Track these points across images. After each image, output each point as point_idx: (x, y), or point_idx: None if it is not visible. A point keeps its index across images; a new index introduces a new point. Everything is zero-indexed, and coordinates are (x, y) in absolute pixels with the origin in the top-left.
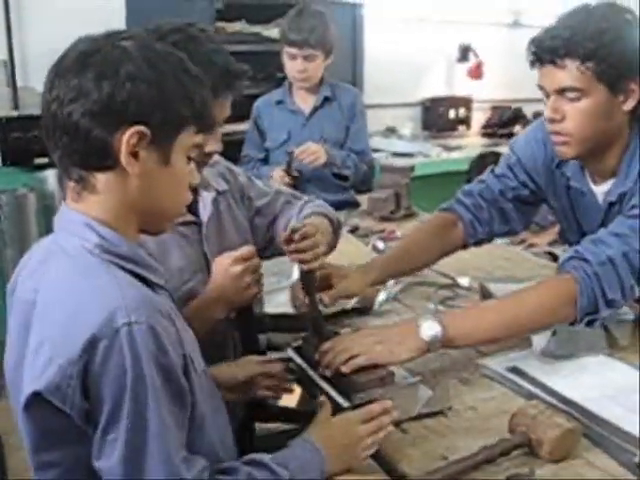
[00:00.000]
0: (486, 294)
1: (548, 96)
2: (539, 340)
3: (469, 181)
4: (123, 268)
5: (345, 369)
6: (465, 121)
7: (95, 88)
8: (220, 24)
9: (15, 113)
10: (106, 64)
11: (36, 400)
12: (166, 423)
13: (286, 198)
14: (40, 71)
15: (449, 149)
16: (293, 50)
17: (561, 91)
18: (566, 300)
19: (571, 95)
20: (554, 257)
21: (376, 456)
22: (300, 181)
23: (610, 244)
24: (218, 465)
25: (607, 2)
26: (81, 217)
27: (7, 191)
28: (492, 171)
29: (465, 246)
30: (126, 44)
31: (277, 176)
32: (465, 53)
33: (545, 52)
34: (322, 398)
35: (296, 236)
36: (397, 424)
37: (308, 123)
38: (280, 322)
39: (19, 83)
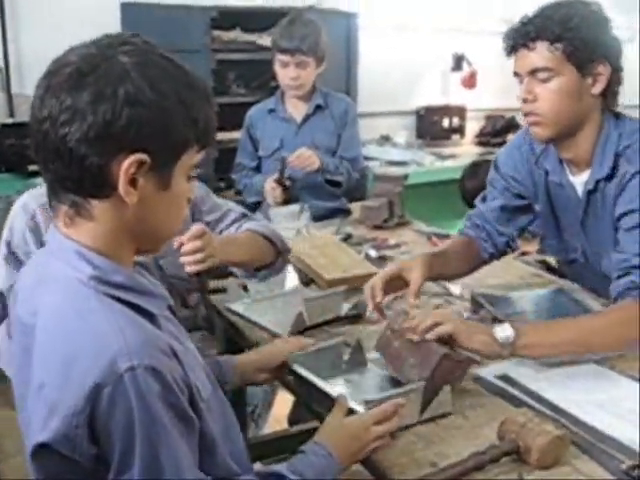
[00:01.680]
0: (478, 303)
1: (521, 79)
2: None
3: (462, 189)
4: (119, 299)
5: (430, 336)
6: (459, 130)
7: (91, 111)
8: (215, 32)
9: (10, 120)
10: (103, 84)
11: (43, 450)
12: (179, 460)
13: (235, 216)
14: (35, 78)
15: (443, 158)
16: (285, 57)
17: (533, 72)
18: (634, 328)
19: (542, 76)
20: (547, 266)
21: (366, 463)
22: (293, 189)
23: None
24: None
25: None
26: (73, 245)
27: (1, 198)
28: (483, 198)
29: (485, 262)
30: (124, 60)
31: (269, 188)
32: (459, 62)
33: (518, 37)
34: (340, 394)
35: (184, 239)
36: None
37: (300, 131)
38: None
39: (14, 89)
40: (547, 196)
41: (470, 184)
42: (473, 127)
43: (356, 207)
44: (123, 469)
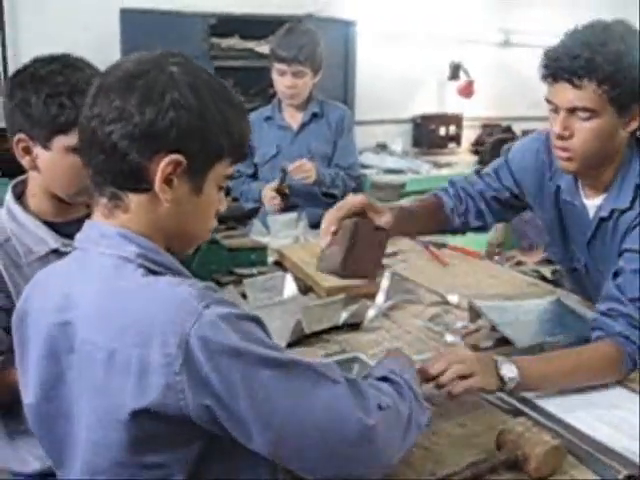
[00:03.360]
0: (475, 312)
1: (556, 110)
2: None
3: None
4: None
5: (456, 391)
6: (455, 138)
7: (138, 112)
8: (214, 39)
9: None
10: (152, 89)
11: (140, 417)
12: (281, 349)
13: None
14: None
15: (439, 166)
16: (282, 66)
17: (573, 110)
18: (613, 366)
19: (582, 115)
20: (542, 276)
21: None
22: (291, 196)
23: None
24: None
25: (622, 21)
26: (117, 229)
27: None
28: (477, 172)
29: (445, 231)
30: (173, 69)
31: (268, 196)
32: (456, 71)
33: (563, 71)
34: None
35: None
36: None
37: (296, 139)
38: None
39: None
40: (557, 209)
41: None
42: (469, 136)
43: None
44: (251, 386)
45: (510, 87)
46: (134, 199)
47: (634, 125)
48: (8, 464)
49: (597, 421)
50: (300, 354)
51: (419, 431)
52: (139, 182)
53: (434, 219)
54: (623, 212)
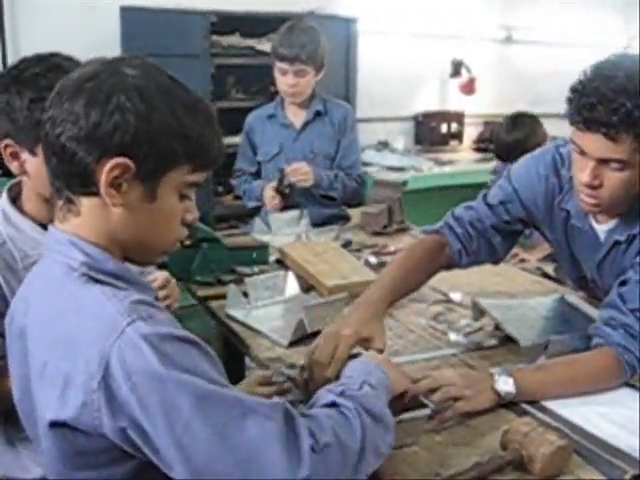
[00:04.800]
0: (478, 310)
1: (582, 153)
2: (531, 357)
3: (498, 144)
4: (112, 285)
5: (444, 418)
6: (457, 136)
7: (84, 115)
8: (214, 37)
9: None
10: (99, 92)
11: (59, 428)
12: (217, 381)
13: None
14: None
15: (441, 163)
16: (284, 65)
17: (604, 160)
18: (612, 375)
19: (614, 165)
20: (544, 273)
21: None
22: (292, 195)
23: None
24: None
25: None
26: (67, 236)
27: None
28: (485, 198)
29: (449, 268)
30: (127, 71)
31: (268, 195)
32: (457, 68)
33: (599, 124)
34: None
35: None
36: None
37: (299, 137)
38: None
39: None
40: (564, 234)
41: (510, 137)
42: (471, 133)
43: (355, 213)
44: (169, 414)
45: (512, 84)
46: (85, 203)
47: None
48: (9, 471)
49: (603, 420)
50: None
51: (378, 457)
52: (88, 185)
53: (434, 267)
54: (634, 237)
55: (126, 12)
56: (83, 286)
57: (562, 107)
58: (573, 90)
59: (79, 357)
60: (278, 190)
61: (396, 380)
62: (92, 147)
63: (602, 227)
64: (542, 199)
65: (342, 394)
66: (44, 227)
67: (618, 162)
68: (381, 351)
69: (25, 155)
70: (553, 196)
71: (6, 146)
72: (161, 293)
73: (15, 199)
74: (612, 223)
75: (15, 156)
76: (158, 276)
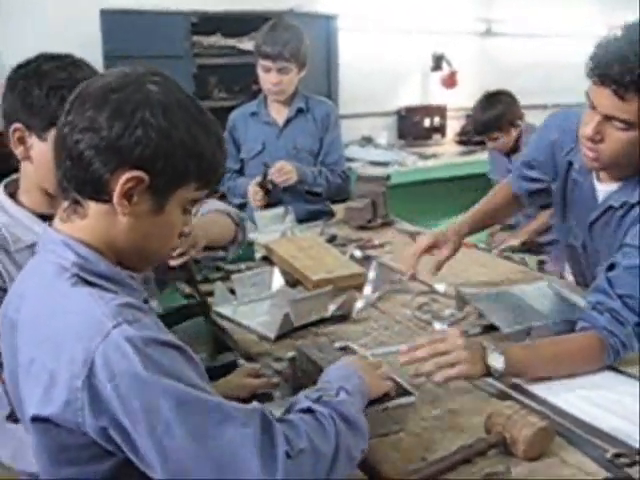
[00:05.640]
0: (462, 299)
1: (592, 107)
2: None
3: (474, 122)
4: (100, 287)
5: (439, 378)
6: (440, 129)
7: (107, 126)
8: (195, 38)
9: None
10: (124, 105)
11: (42, 423)
12: (199, 385)
13: None
14: None
15: (425, 157)
16: (267, 63)
17: (610, 117)
18: (595, 357)
19: (619, 124)
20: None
21: None
22: (275, 192)
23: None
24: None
25: None
26: (62, 236)
27: None
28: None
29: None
30: (151, 88)
31: (251, 191)
32: (439, 62)
33: (612, 79)
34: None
35: None
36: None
37: (282, 134)
38: (165, 319)
39: None
40: (563, 184)
41: (486, 115)
42: (454, 126)
43: (340, 208)
44: (150, 417)
45: (493, 76)
46: (93, 207)
47: None
48: (15, 462)
49: (585, 403)
50: None
51: (352, 462)
52: (100, 193)
53: (511, 208)
54: (632, 206)
55: (106, 15)
56: (73, 287)
57: (543, 98)
58: (598, 45)
59: (64, 356)
60: (262, 185)
61: (373, 384)
62: (110, 158)
63: (603, 187)
64: (551, 157)
65: (318, 400)
66: (43, 218)
67: (622, 122)
68: (447, 258)
69: (32, 140)
70: (562, 146)
71: (15, 130)
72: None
73: (12, 195)
74: (614, 186)
75: (22, 141)
76: None
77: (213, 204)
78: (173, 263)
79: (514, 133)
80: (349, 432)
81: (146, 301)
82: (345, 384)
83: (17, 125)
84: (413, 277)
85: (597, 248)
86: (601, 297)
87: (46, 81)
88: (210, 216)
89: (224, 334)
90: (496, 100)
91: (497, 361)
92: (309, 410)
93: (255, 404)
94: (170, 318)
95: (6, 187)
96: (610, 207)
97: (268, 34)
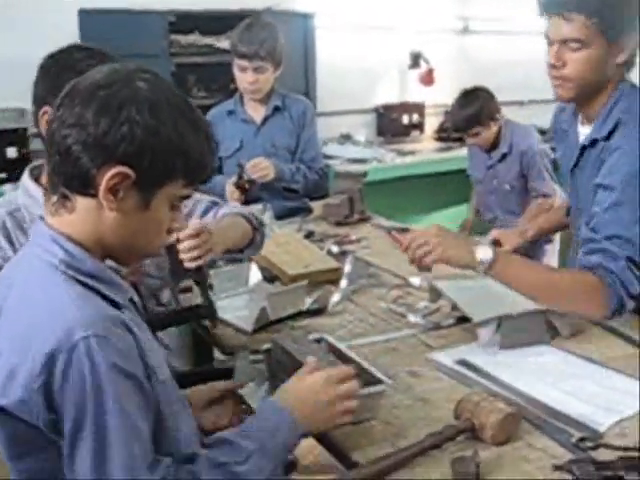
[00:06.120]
0: (436, 292)
1: (552, 44)
2: (485, 333)
3: (454, 120)
4: (86, 285)
5: (428, 261)
6: (418, 126)
7: (93, 122)
8: (173, 37)
9: None
10: (111, 101)
11: (3, 412)
12: (129, 430)
13: (206, 205)
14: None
15: (403, 154)
16: (243, 62)
17: (565, 41)
18: (591, 294)
19: (573, 45)
20: None
21: (328, 446)
22: (253, 190)
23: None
24: (180, 455)
25: None
26: (51, 232)
27: None
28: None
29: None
30: (139, 85)
31: (229, 191)
32: (416, 60)
33: (554, 5)
34: (309, 359)
35: (181, 236)
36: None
37: (259, 132)
38: (172, 317)
39: None
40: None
41: (464, 112)
42: (432, 123)
43: (318, 205)
44: (76, 438)
45: (470, 74)
46: (81, 202)
47: (623, 57)
48: None
49: (550, 388)
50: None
51: None
52: (86, 187)
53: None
54: (604, 141)
55: (84, 15)
56: (56, 285)
57: (521, 95)
58: None
59: (29, 353)
60: (238, 185)
61: (314, 421)
62: (97, 154)
63: (584, 130)
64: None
65: (219, 467)
66: None
67: (575, 41)
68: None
69: None
70: (560, 116)
71: (44, 113)
72: (190, 242)
73: (37, 179)
74: (590, 128)
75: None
76: (191, 224)
77: (232, 207)
78: (188, 265)
79: (494, 127)
80: None
81: (131, 300)
82: (268, 442)
83: (46, 108)
84: None
85: (579, 205)
86: (589, 245)
87: (77, 67)
88: (228, 220)
89: (202, 329)
90: (474, 96)
91: (486, 254)
92: (219, 465)
93: (167, 461)
94: (174, 318)
95: (32, 171)
96: (583, 147)
97: (244, 33)
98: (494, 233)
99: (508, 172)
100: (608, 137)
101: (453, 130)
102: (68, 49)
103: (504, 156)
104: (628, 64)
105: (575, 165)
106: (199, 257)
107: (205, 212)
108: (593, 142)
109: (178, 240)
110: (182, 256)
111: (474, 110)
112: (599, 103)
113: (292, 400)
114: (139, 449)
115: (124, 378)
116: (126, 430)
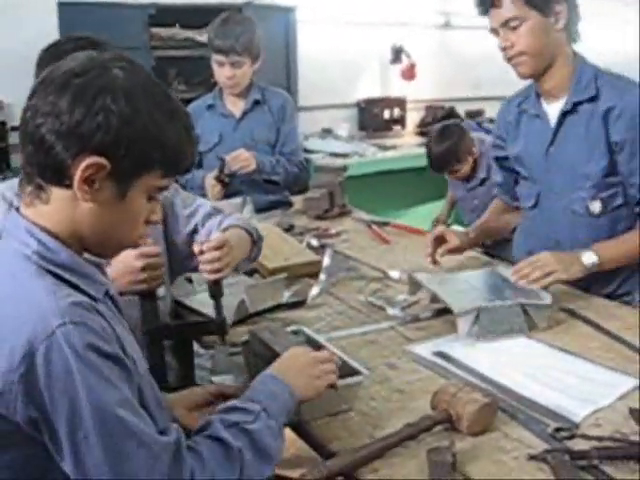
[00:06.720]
0: (415, 284)
1: (497, 33)
2: (464, 324)
3: (429, 154)
4: (59, 277)
5: (541, 284)
6: (400, 121)
7: (67, 111)
8: (153, 30)
9: None
10: (86, 90)
11: None
12: (129, 404)
13: (206, 210)
14: None
15: (384, 148)
16: (220, 57)
17: (504, 24)
18: None
19: (513, 24)
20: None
21: (307, 438)
22: (233, 184)
23: None
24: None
25: None
26: (26, 223)
27: None
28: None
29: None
30: (116, 72)
31: (208, 185)
32: (398, 55)
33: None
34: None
35: (204, 248)
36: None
37: (239, 126)
38: (185, 329)
39: None
40: (517, 132)
41: (441, 147)
42: (414, 118)
43: (298, 199)
44: (74, 427)
45: (452, 69)
46: (55, 193)
47: (562, 22)
48: None
49: (527, 379)
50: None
51: None
52: (61, 178)
53: (504, 217)
54: (588, 102)
55: (64, 7)
56: (29, 277)
57: (501, 89)
58: None
59: (6, 344)
60: (219, 179)
61: (307, 388)
62: (71, 143)
63: (551, 108)
64: (504, 123)
65: (233, 427)
66: None
67: (512, 20)
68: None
69: None
70: (508, 109)
71: None
72: (212, 254)
73: None
74: (561, 102)
75: None
76: (216, 237)
77: (235, 218)
78: (210, 277)
79: (471, 160)
80: (256, 463)
81: (107, 293)
82: (270, 404)
83: None
84: (433, 260)
85: (555, 189)
86: None
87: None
88: (235, 233)
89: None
90: (448, 132)
91: (591, 258)
92: (221, 440)
93: (172, 437)
94: (183, 330)
95: None
96: (564, 114)
97: (219, 28)
98: (438, 229)
99: (488, 193)
100: (597, 94)
101: (433, 170)
102: (61, 40)
103: (483, 181)
104: (570, 32)
105: (551, 143)
106: (220, 270)
107: (208, 216)
108: (574, 106)
109: (202, 252)
110: (203, 267)
111: (450, 146)
112: (560, 75)
113: (285, 371)
114: (145, 421)
115: (105, 359)
116: (128, 405)
